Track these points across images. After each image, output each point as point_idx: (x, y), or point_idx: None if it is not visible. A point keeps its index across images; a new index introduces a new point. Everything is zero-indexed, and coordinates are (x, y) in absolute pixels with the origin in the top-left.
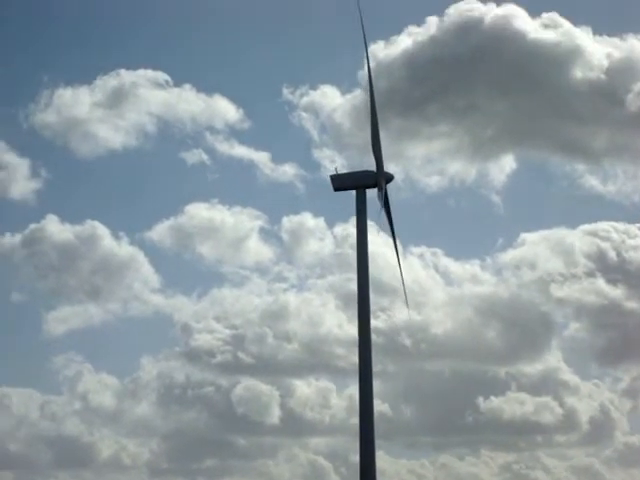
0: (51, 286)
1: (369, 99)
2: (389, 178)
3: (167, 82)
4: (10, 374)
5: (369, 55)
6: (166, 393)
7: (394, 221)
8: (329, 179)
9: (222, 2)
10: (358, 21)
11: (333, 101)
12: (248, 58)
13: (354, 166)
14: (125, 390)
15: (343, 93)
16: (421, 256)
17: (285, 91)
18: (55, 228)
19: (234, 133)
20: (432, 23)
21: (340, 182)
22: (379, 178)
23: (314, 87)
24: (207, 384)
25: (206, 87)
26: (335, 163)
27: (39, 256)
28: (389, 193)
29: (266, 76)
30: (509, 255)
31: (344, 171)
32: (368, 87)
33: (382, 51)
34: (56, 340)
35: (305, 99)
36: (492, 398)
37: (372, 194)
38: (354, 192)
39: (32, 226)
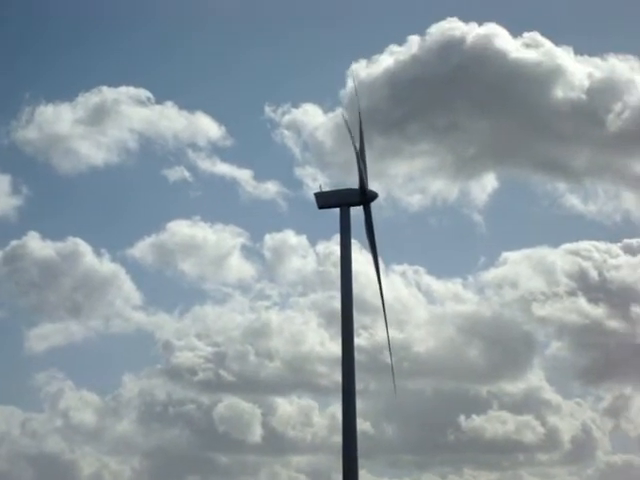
0: (32, 303)
1: (358, 119)
2: (373, 196)
3: (149, 99)
4: None
5: (353, 76)
6: (147, 411)
7: (376, 239)
8: (312, 197)
9: (204, 20)
10: (340, 40)
11: (315, 119)
12: (230, 76)
13: (336, 184)
14: (106, 407)
15: (325, 111)
16: (403, 274)
17: (267, 109)
18: (36, 245)
19: (216, 150)
20: (414, 42)
21: (324, 200)
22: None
23: (296, 105)
24: (189, 402)
25: (188, 104)
26: (317, 181)
27: (20, 273)
28: (372, 211)
29: (248, 94)
30: (491, 274)
31: (328, 189)
32: (349, 106)
33: (364, 70)
34: (37, 357)
35: (287, 117)
36: (474, 417)
37: (356, 212)
38: (337, 210)
39: (13, 242)
